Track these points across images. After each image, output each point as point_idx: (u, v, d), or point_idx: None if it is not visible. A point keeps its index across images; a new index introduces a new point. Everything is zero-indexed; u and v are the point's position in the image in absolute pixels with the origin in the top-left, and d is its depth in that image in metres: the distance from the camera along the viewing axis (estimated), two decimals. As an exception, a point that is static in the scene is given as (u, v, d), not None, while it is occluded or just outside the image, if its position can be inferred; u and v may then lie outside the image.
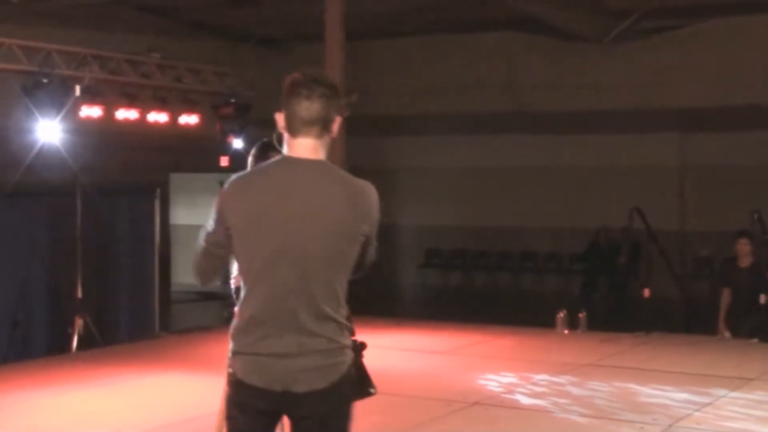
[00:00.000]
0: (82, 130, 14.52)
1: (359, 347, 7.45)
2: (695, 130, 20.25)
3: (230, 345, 4.44)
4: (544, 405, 9.25)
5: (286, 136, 4.46)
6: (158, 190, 15.13)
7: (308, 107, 4.34)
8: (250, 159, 7.29)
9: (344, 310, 4.48)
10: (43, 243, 14.92)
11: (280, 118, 4.44)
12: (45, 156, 14.06)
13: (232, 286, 6.73)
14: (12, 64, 13.98)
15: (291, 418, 4.46)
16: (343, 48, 14.43)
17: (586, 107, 18.83)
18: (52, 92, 13.82)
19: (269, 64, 19.41)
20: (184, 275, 18.24)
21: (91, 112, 14.82)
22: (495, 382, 10.26)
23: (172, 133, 16.18)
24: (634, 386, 10.00)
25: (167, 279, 17.06)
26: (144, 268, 15.69)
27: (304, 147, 4.38)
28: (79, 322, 13.74)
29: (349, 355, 4.56)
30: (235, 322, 4.45)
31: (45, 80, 13.81)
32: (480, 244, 22.75)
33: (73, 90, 14.10)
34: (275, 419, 4.50)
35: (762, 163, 19.63)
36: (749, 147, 19.87)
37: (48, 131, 13.86)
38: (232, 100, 16.22)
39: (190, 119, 16.26)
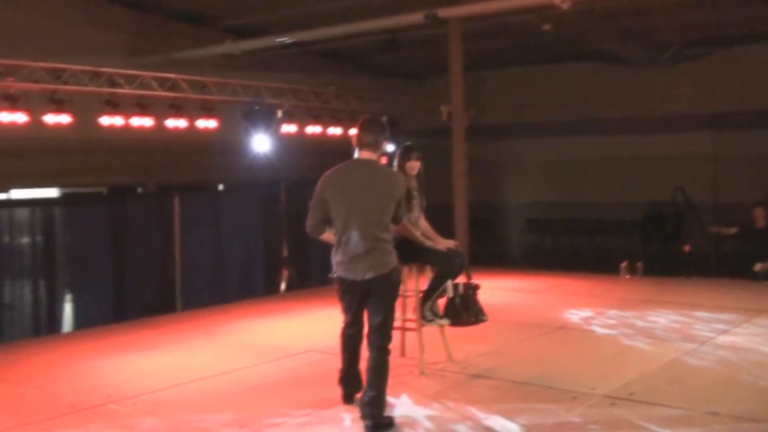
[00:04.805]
0: (283, 141, 14.78)
1: (474, 287, 7.50)
2: (726, 128, 19.39)
3: (333, 261, 5.89)
4: (614, 334, 8.97)
5: (356, 147, 5.93)
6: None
7: (367, 136, 5.93)
8: (396, 158, 7.37)
9: (389, 235, 5.84)
10: (259, 219, 15.26)
11: (354, 138, 6.01)
12: (259, 160, 14.35)
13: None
14: (235, 97, 14.32)
15: (367, 293, 5.82)
16: (462, 78, 14.27)
17: (638, 114, 18.44)
18: (262, 116, 14.04)
19: (409, 92, 19.95)
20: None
21: (289, 128, 15.09)
22: (576, 315, 10.09)
23: (344, 141, 16.34)
24: (681, 317, 9.71)
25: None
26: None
27: (364, 154, 5.95)
28: (284, 273, 14.10)
29: (395, 257, 5.86)
30: (334, 250, 5.85)
31: (257, 107, 14.06)
32: (566, 214, 22.28)
33: (276, 113, 14.30)
34: (361, 295, 5.86)
35: None
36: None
37: (260, 143, 14.12)
38: (384, 118, 16.27)
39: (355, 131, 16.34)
